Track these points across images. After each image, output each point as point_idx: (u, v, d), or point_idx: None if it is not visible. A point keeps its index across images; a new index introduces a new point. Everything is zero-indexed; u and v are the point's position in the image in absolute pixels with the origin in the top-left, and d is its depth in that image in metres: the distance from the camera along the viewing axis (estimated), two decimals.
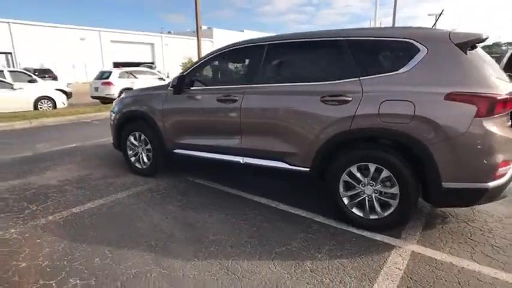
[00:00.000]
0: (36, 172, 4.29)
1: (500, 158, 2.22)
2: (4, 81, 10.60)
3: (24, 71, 14.41)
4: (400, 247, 2.44)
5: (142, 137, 4.02)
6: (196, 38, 15.20)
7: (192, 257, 2.32)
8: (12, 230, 2.74)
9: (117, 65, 33.36)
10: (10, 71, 13.34)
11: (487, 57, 2.63)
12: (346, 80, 2.63)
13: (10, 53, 28.02)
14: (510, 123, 2.43)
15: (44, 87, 12.61)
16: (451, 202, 2.55)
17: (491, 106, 2.18)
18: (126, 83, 14.05)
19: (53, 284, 2.03)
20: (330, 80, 2.72)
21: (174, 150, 3.76)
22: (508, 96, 2.24)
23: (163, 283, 2.04)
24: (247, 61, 3.42)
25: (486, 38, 2.42)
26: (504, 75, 2.64)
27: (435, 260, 2.27)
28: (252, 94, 3.07)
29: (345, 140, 2.62)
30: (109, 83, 13.77)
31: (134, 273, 2.14)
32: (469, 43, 2.34)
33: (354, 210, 2.71)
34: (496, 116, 2.21)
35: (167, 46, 42.32)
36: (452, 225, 2.80)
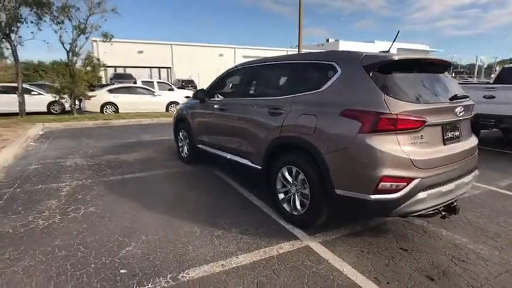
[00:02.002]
0: (127, 152, 6.31)
1: (381, 172, 2.37)
2: (148, 89, 14.48)
3: (166, 82, 18.92)
4: (301, 240, 2.84)
5: (185, 133, 5.40)
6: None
7: (156, 213, 3.41)
8: (90, 180, 4.51)
9: None
10: (157, 82, 17.86)
11: (417, 78, 2.70)
12: (284, 96, 3.20)
13: (170, 68, 36.25)
14: (420, 141, 2.49)
15: (175, 94, 16.24)
16: (347, 209, 2.74)
17: (374, 123, 2.39)
18: None
19: (81, 207, 3.51)
20: (275, 96, 3.33)
21: (198, 145, 4.95)
22: (398, 116, 2.37)
23: (124, 220, 3.21)
24: (236, 79, 4.29)
25: (400, 60, 2.57)
26: (433, 97, 2.66)
27: (316, 255, 2.61)
28: (233, 105, 3.94)
29: (278, 145, 3.18)
30: None
31: (119, 213, 3.40)
32: (375, 65, 2.57)
33: (285, 205, 3.20)
34: (381, 132, 2.39)
35: None
36: (377, 238, 2.90)
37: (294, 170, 3.02)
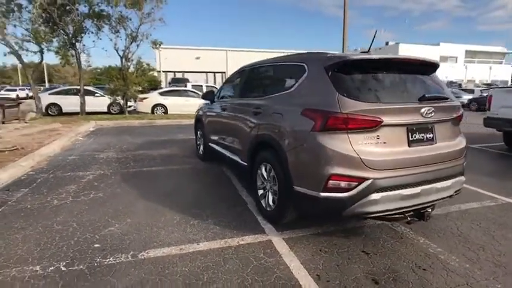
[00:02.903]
0: (156, 149, 6.92)
1: (330, 170, 2.36)
2: (196, 92, 15.44)
3: (215, 86, 19.94)
4: (266, 235, 2.92)
5: (201, 132, 5.77)
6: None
7: (150, 202, 3.76)
8: (111, 171, 5.12)
9: None
10: (206, 86, 18.94)
11: (383, 77, 2.62)
12: (266, 96, 3.32)
13: (224, 72, 37.87)
14: (376, 141, 2.41)
15: None
16: (303, 206, 2.72)
17: (324, 122, 2.40)
18: None
19: (92, 192, 4.04)
20: (260, 96, 3.46)
21: (209, 143, 5.27)
22: (348, 116, 2.33)
23: (120, 205, 3.62)
24: (237, 81, 4.47)
25: (360, 60, 2.53)
26: (397, 97, 2.56)
27: (273, 249, 2.67)
28: (231, 105, 4.16)
29: (257, 143, 3.30)
30: None
31: (119, 199, 3.84)
32: (334, 65, 2.57)
33: (262, 201, 3.30)
34: (331, 131, 2.39)
35: None
36: (345, 240, 2.85)
37: (268, 167, 3.12)
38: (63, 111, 14.48)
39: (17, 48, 10.62)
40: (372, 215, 2.48)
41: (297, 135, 2.63)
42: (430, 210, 2.68)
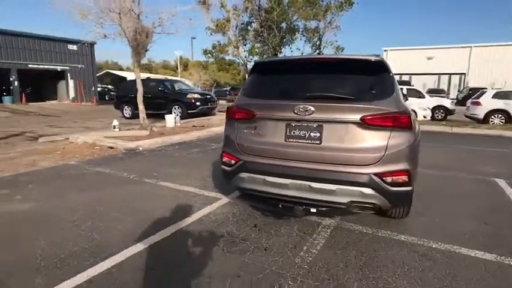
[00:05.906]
0: None
1: (223, 148, 3.09)
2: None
3: (416, 88, 17.73)
4: (225, 195, 3.90)
5: None
6: None
7: (196, 166, 5.50)
8: (207, 148, 7.28)
9: None
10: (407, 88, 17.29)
11: (283, 77, 2.94)
12: None
13: (464, 74, 31.58)
14: (253, 131, 2.89)
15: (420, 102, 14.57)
16: None
17: (226, 112, 3.17)
18: (498, 104, 12.64)
19: (175, 156, 6.35)
20: None
21: None
22: (233, 108, 2.99)
23: (176, 164, 5.62)
24: None
25: (261, 62, 3.02)
26: (281, 94, 2.82)
27: (212, 202, 3.69)
28: None
29: None
30: (477, 103, 13.17)
31: (182, 161, 5.87)
32: (252, 68, 3.19)
33: None
34: (229, 120, 3.10)
35: None
36: (268, 218, 3.32)
37: None
38: None
39: (245, 60, 15.44)
40: (245, 191, 2.98)
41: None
42: (306, 207, 2.69)
